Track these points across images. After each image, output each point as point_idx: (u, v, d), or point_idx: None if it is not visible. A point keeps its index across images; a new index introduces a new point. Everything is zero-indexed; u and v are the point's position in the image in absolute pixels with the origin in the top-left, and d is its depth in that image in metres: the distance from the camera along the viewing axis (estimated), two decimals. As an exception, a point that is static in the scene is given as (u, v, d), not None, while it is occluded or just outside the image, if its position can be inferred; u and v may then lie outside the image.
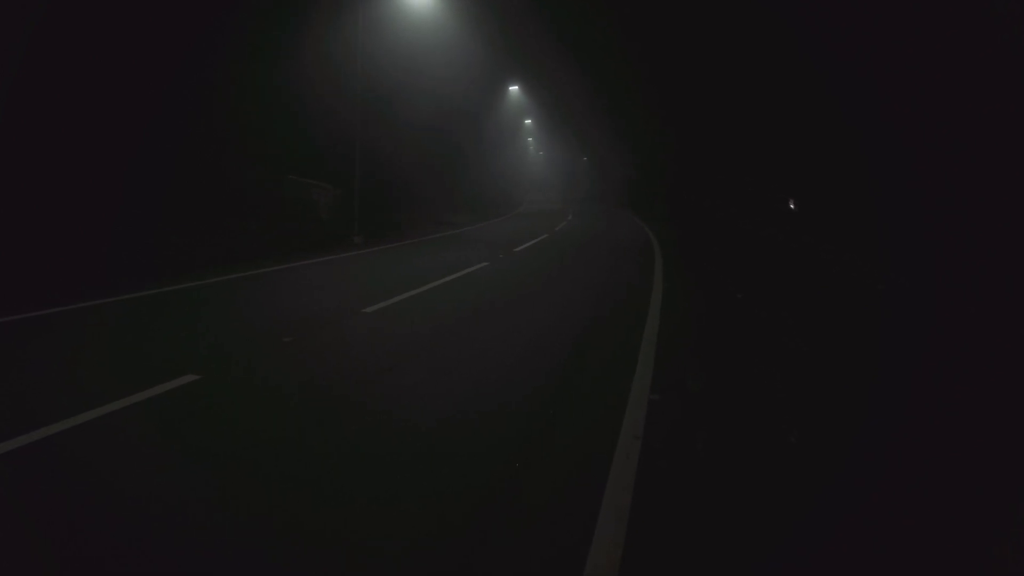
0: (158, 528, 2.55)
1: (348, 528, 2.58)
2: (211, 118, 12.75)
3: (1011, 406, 4.15)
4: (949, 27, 9.97)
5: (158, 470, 3.06)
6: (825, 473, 3.20)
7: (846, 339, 6.03)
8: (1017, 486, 3.11)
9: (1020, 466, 3.31)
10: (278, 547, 2.44)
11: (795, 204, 19.57)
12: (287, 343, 5.48)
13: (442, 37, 23.42)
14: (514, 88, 40.00)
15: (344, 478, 3.02)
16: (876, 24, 11.82)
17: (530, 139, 61.40)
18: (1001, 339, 5.85)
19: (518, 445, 3.41)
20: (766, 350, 5.52)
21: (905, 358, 5.44)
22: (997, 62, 8.75)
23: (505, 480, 3.01)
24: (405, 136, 24.31)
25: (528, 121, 51.60)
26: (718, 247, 15.97)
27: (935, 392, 4.49)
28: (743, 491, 2.98)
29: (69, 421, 3.55)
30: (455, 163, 33.79)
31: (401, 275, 9.88)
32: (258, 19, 14.11)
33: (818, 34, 14.75)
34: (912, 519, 2.75)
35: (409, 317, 6.57)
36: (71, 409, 3.70)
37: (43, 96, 8.73)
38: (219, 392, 4.22)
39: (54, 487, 2.90)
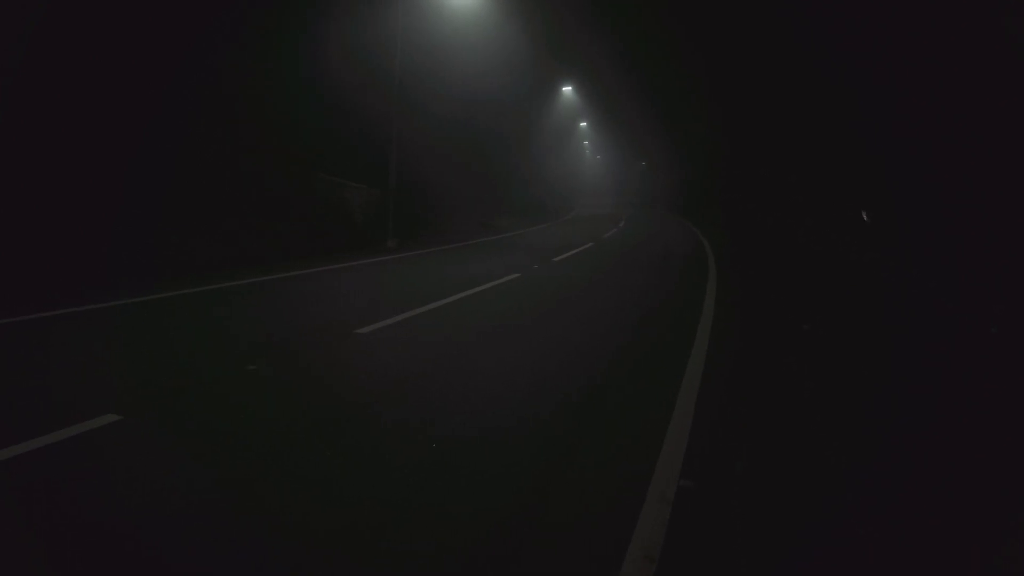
0: None
1: None
2: (234, 114, 12.24)
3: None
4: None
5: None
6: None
7: (938, 387, 4.70)
8: None
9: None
10: None
11: (869, 216, 17.74)
12: (250, 372, 4.63)
13: (489, 33, 22.57)
14: (567, 89, 38.70)
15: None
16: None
17: (586, 142, 59.99)
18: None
19: (486, 558, 2.38)
20: (838, 407, 4.28)
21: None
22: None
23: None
24: (451, 136, 23.61)
25: (583, 124, 50.27)
26: (780, 263, 14.42)
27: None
28: None
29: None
30: (505, 165, 32.97)
31: (420, 286, 9.00)
32: (284, 10, 13.56)
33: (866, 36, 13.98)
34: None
35: (403, 343, 5.62)
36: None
37: (55, 70, 8.22)
38: (130, 443, 3.37)
39: None
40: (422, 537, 2.53)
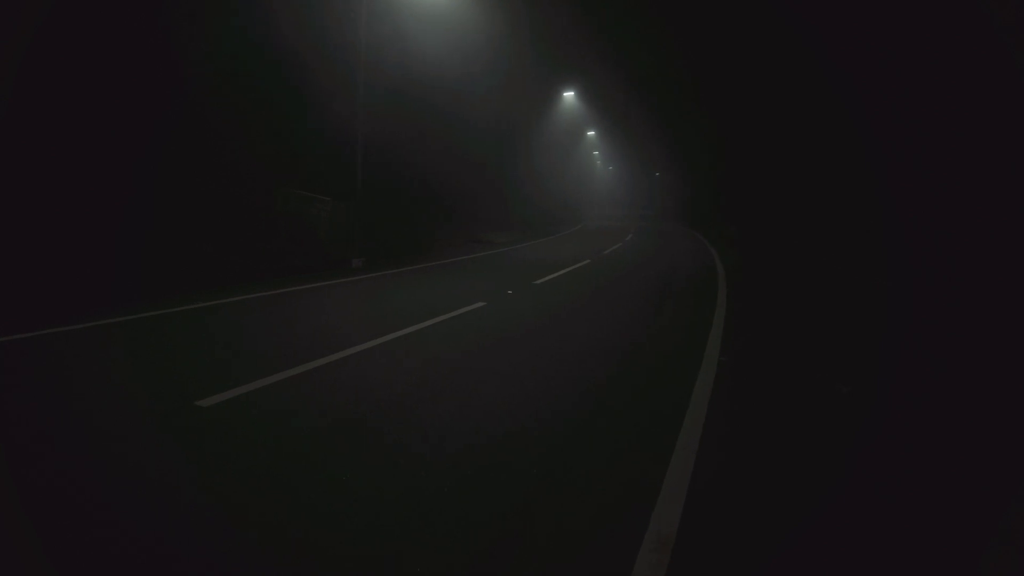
0: None
1: None
2: (179, 122, 10.71)
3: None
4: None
5: None
6: None
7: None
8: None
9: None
10: None
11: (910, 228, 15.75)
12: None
13: (480, 30, 20.93)
14: (569, 94, 36.70)
15: None
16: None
17: (595, 152, 58.15)
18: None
19: None
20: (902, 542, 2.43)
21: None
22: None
23: None
24: (443, 142, 21.98)
25: (591, 133, 48.40)
26: (809, 289, 12.49)
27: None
28: None
29: None
30: (505, 173, 31.27)
31: (348, 322, 7.24)
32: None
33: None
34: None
35: (251, 427, 3.81)
36: None
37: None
38: None
39: None
40: None
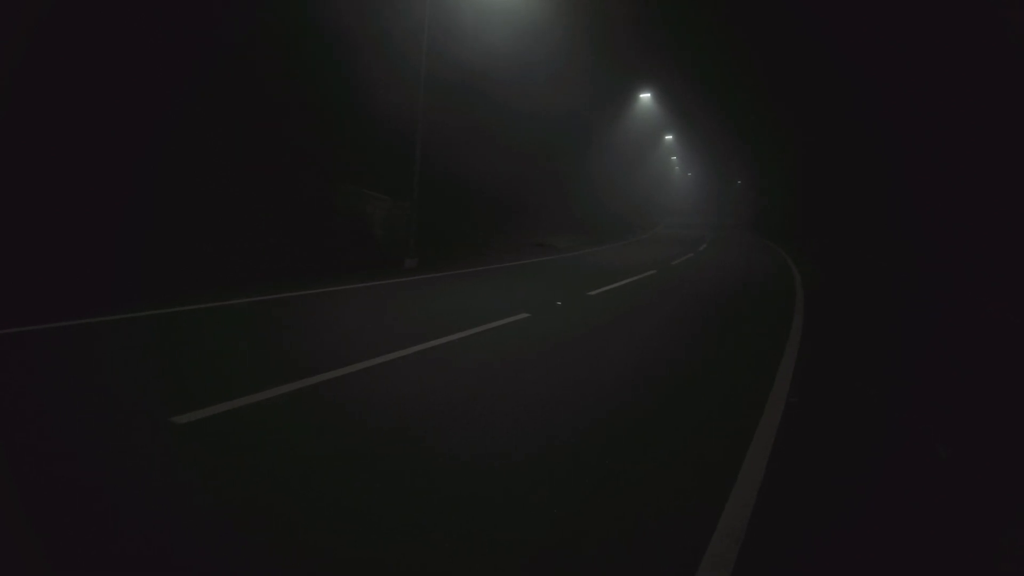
0: None
1: None
2: (244, 114, 10.73)
3: None
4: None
5: None
6: None
7: None
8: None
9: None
10: None
11: None
12: None
13: (546, 27, 20.27)
14: (646, 96, 35.24)
15: None
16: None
17: (673, 157, 56.20)
18: None
19: None
20: None
21: None
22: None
23: None
24: (510, 144, 21.52)
25: (668, 137, 46.66)
26: (898, 314, 11.12)
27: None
28: None
29: None
30: (575, 175, 30.49)
31: (376, 330, 6.78)
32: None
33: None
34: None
35: (222, 454, 3.35)
36: None
37: None
38: None
39: None
40: None
